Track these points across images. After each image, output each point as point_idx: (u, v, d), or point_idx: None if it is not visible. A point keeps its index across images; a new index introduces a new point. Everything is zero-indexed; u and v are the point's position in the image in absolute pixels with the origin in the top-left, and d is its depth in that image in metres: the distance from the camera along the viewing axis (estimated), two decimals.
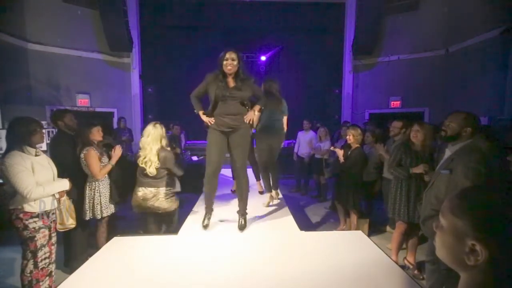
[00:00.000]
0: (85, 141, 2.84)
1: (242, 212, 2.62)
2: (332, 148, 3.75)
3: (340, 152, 3.59)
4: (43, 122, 2.75)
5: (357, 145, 3.53)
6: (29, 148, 2.17)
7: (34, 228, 2.17)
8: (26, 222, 2.15)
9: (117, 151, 2.95)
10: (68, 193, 2.47)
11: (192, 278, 1.74)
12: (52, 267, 2.37)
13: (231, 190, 3.96)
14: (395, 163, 2.92)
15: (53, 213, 2.37)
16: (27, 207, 2.14)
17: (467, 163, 1.82)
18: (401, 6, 7.47)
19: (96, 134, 2.91)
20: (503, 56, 5.24)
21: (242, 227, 2.53)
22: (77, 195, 2.76)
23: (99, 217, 2.85)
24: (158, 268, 1.85)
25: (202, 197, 3.60)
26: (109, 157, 2.98)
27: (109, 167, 2.88)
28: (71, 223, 2.49)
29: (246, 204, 2.65)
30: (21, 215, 2.14)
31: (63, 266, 2.93)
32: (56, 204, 2.32)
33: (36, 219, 2.18)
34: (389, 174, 3.10)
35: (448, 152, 2.06)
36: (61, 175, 2.45)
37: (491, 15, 5.57)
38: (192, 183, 5.58)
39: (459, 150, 1.96)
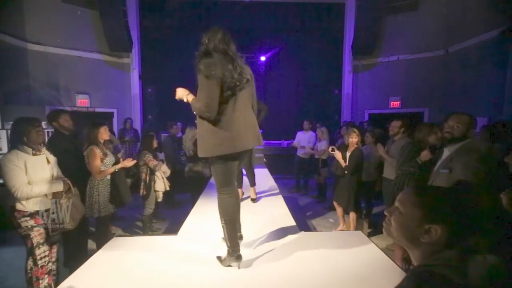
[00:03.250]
0: (91, 140, 2.87)
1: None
2: (330, 150, 3.72)
3: (339, 156, 3.57)
4: (43, 123, 2.75)
5: (356, 146, 3.53)
6: (26, 147, 2.20)
7: (26, 226, 2.20)
8: (19, 220, 2.19)
9: (128, 164, 3.07)
10: (67, 192, 2.47)
11: (191, 278, 1.74)
12: (53, 265, 2.39)
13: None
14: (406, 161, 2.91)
15: (53, 213, 2.38)
16: (19, 206, 2.17)
17: (466, 162, 1.85)
18: (401, 7, 7.47)
19: (104, 133, 2.95)
20: (503, 56, 5.24)
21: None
22: (78, 195, 2.77)
23: (96, 215, 2.87)
24: (158, 268, 1.85)
25: (202, 197, 3.61)
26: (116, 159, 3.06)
27: (110, 171, 2.91)
28: (70, 224, 2.49)
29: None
30: (15, 213, 2.19)
31: (63, 266, 2.93)
32: (48, 205, 2.31)
33: (27, 218, 2.20)
34: (399, 171, 3.03)
35: (446, 152, 2.08)
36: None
37: (491, 15, 5.57)
38: (192, 184, 5.61)
39: (458, 149, 1.98)
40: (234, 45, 1.81)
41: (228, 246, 1.85)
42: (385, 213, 0.88)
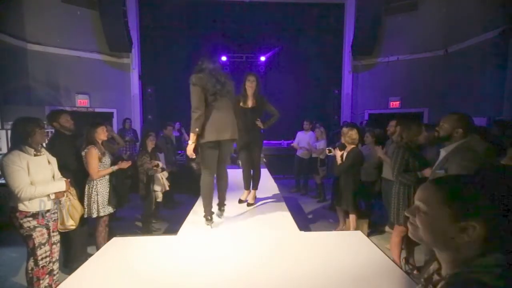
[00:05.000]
0: (89, 139, 2.87)
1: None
2: (327, 151, 3.71)
3: (338, 153, 3.57)
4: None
5: (353, 146, 3.53)
6: (28, 148, 2.19)
7: (29, 227, 2.19)
8: (21, 221, 2.18)
9: (124, 165, 3.07)
10: (67, 192, 2.47)
11: (191, 278, 1.74)
12: (53, 266, 2.39)
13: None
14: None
15: (54, 213, 2.38)
16: (21, 206, 2.16)
17: (460, 162, 1.86)
18: (401, 7, 7.48)
19: (101, 133, 2.94)
20: (502, 56, 5.25)
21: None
22: (78, 194, 2.77)
23: (95, 215, 2.87)
24: (158, 268, 1.84)
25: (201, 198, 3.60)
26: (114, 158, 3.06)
27: (108, 171, 2.91)
28: (71, 224, 2.51)
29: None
30: (17, 214, 2.17)
31: (62, 266, 2.93)
32: (51, 205, 2.32)
33: (30, 219, 2.20)
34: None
35: (443, 152, 2.10)
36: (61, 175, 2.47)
37: (490, 16, 5.58)
38: (190, 185, 5.61)
39: (453, 150, 1.99)
40: (219, 65, 2.55)
41: (204, 212, 2.56)
42: (406, 214, 0.78)
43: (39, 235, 2.22)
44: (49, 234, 2.32)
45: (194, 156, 2.51)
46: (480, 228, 0.66)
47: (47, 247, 2.29)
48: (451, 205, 0.69)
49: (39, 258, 2.23)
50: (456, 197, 0.69)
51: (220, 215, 2.74)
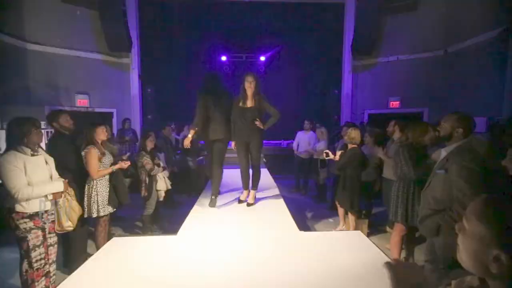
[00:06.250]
0: (89, 140, 2.87)
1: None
2: (324, 155, 3.72)
3: (336, 155, 3.58)
4: (42, 123, 2.73)
5: (354, 146, 3.53)
6: (24, 148, 2.16)
7: (25, 228, 2.15)
8: (17, 222, 2.14)
9: (124, 166, 3.06)
10: (65, 192, 2.45)
11: (191, 278, 1.74)
12: (50, 268, 2.35)
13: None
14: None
15: (52, 214, 2.36)
16: (18, 207, 2.12)
17: (461, 162, 1.85)
18: (400, 7, 7.47)
19: (101, 133, 2.94)
20: (502, 56, 5.25)
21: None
22: (77, 194, 2.76)
23: (95, 215, 2.86)
24: (157, 268, 1.85)
25: (201, 198, 3.61)
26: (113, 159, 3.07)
27: (108, 171, 2.91)
28: (69, 225, 2.46)
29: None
30: (13, 215, 2.14)
31: (62, 266, 2.93)
32: (48, 206, 2.28)
33: (26, 220, 2.16)
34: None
35: (443, 153, 2.09)
36: (60, 175, 2.45)
37: (490, 15, 5.58)
38: (190, 185, 5.62)
39: (454, 150, 1.98)
40: (216, 83, 3.31)
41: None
42: (456, 231, 0.66)
43: (33, 237, 2.18)
44: (44, 236, 2.26)
45: (189, 147, 3.29)
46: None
47: (41, 249, 2.24)
48: (487, 225, 0.56)
49: (34, 260, 2.19)
50: (496, 217, 0.55)
51: (212, 205, 3.14)
